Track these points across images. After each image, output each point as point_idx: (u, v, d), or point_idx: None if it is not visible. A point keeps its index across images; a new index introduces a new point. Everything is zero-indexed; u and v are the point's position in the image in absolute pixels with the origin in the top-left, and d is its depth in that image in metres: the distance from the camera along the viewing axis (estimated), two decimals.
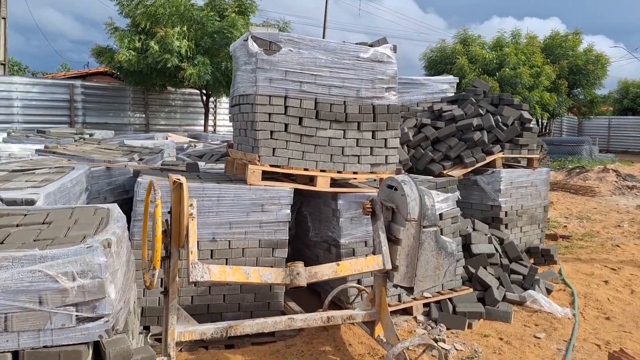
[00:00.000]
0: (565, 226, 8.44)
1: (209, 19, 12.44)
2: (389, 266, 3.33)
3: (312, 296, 4.67)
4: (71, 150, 6.18)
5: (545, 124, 28.27)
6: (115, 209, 2.77)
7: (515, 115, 6.17)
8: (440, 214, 4.48)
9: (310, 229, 4.56)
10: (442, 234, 4.47)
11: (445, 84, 7.19)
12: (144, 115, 15.30)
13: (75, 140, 7.87)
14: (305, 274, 3.09)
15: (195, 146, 9.06)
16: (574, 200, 11.57)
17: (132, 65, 12.02)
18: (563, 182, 13.70)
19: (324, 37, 31.48)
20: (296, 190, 4.14)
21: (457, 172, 5.85)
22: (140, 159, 6.24)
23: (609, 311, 4.66)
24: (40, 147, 6.47)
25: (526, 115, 6.20)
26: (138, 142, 8.12)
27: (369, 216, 3.53)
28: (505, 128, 6.06)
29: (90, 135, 9.87)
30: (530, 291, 4.63)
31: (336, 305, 4.23)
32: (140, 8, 12.21)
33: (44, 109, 13.38)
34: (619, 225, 8.59)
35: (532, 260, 6.02)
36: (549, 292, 4.94)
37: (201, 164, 6.07)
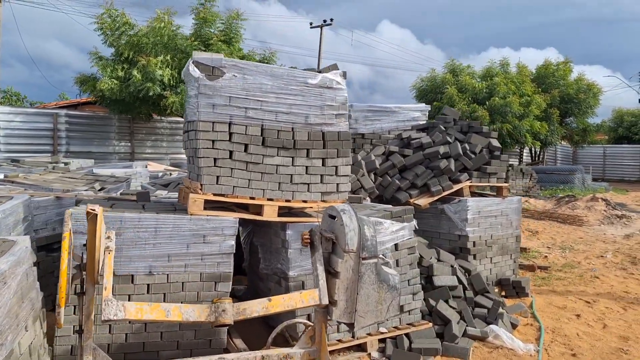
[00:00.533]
0: (546, 256, 8.23)
1: (193, 48, 12.49)
2: (325, 301, 3.15)
3: (268, 330, 4.45)
4: (32, 180, 6.04)
5: (537, 152, 28.26)
6: (23, 242, 2.61)
7: (483, 143, 6.05)
8: (396, 245, 4.31)
9: (260, 261, 4.38)
10: (397, 265, 4.31)
11: (417, 112, 7.11)
12: (129, 144, 15.23)
13: (44, 169, 7.75)
14: (232, 311, 2.90)
15: (170, 174, 8.93)
16: (561, 229, 11.37)
17: (114, 93, 12.01)
18: (551, 211, 13.53)
19: (318, 67, 31.82)
20: (249, 220, 3.99)
21: (424, 201, 5.70)
22: (102, 189, 6.10)
23: (576, 347, 4.43)
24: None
25: (495, 143, 6.08)
26: (109, 171, 7.99)
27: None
28: (473, 156, 5.94)
29: (66, 164, 9.76)
30: (492, 326, 4.42)
31: (287, 341, 4.02)
32: (124, 37, 12.27)
33: (26, 138, 13.31)
34: (602, 256, 8.38)
35: (503, 293, 5.81)
36: (514, 326, 4.72)
37: (163, 193, 5.93)
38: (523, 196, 16.76)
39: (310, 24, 32.36)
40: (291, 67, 4.00)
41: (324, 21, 31.65)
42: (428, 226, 5.95)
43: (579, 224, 12.06)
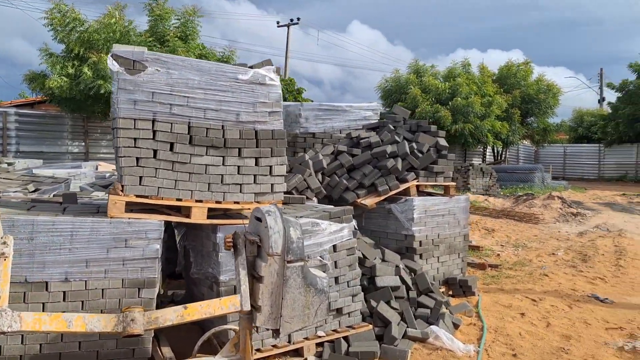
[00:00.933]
0: (499, 254, 8.27)
1: (147, 44, 12.14)
2: (247, 307, 2.99)
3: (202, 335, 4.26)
4: None
5: (500, 152, 28.74)
6: None
7: (431, 143, 6.00)
8: (335, 246, 4.18)
9: (192, 265, 4.19)
10: (336, 267, 4.19)
11: (368, 111, 7.02)
12: (83, 144, 14.73)
13: None
14: (142, 320, 2.72)
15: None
16: (517, 227, 11.50)
17: (64, 91, 11.57)
18: (508, 210, 13.69)
19: (285, 68, 31.62)
20: (182, 222, 3.80)
21: (370, 201, 5.61)
22: (36, 190, 5.80)
23: (517, 347, 4.40)
24: None
25: (442, 142, 6.04)
26: (51, 171, 7.65)
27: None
28: (420, 155, 5.88)
29: (10, 164, 9.32)
30: (433, 327, 4.34)
31: (217, 348, 3.85)
32: (74, 33, 11.84)
33: None
34: (553, 254, 8.48)
35: (450, 292, 5.77)
36: (456, 326, 4.67)
37: (100, 194, 5.67)
38: (483, 195, 16.97)
39: (277, 22, 32.15)
40: (219, 63, 3.83)
41: (291, 20, 31.49)
42: (376, 226, 5.86)
43: (535, 222, 12.24)
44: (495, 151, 29.05)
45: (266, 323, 3.09)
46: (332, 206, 4.67)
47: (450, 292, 5.76)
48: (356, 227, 4.42)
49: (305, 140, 6.80)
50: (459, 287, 5.72)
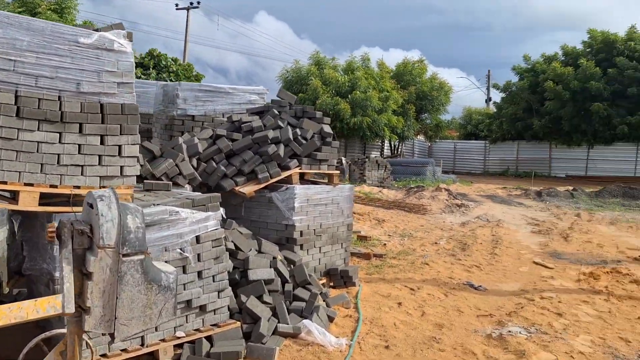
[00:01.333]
0: (385, 244, 8.33)
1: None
2: (70, 309, 2.51)
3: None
4: None
5: (396, 145, 29.75)
6: None
7: (315, 129, 5.78)
8: (198, 237, 3.79)
9: (25, 260, 3.59)
10: (199, 260, 3.79)
11: (254, 95, 6.66)
12: None
13: None
14: None
15: None
16: (406, 218, 11.78)
17: None
18: (400, 201, 14.05)
19: (184, 53, 30.23)
20: (15, 210, 3.19)
21: (249, 189, 5.26)
22: None
23: (391, 338, 4.30)
24: None
25: (327, 129, 5.84)
26: None
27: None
28: (304, 142, 5.64)
29: None
30: (305, 321, 4.11)
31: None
32: None
33: None
34: (436, 243, 8.71)
35: (332, 283, 5.61)
36: (331, 319, 4.48)
37: None
38: (378, 186, 17.34)
39: (176, 5, 30.68)
40: (55, 23, 3.26)
41: (191, 3, 30.20)
42: (256, 216, 5.53)
43: (423, 212, 12.64)
44: (392, 145, 30.03)
45: (98, 327, 2.63)
46: (198, 193, 4.26)
47: (332, 283, 5.60)
48: (224, 216, 4.05)
49: (183, 123, 6.30)
50: (340, 278, 5.57)
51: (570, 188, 19.78)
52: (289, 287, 4.56)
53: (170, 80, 21.33)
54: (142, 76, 21.01)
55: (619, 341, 4.30)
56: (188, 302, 3.74)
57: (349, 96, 22.47)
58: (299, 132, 5.68)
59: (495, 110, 34.97)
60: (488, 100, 42.09)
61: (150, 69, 21.60)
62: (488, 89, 41.83)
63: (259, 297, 4.21)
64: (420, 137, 34.92)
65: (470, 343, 4.24)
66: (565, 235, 9.94)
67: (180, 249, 3.69)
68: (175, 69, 22.01)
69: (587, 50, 29.41)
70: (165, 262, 3.61)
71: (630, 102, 26.63)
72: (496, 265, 7.23)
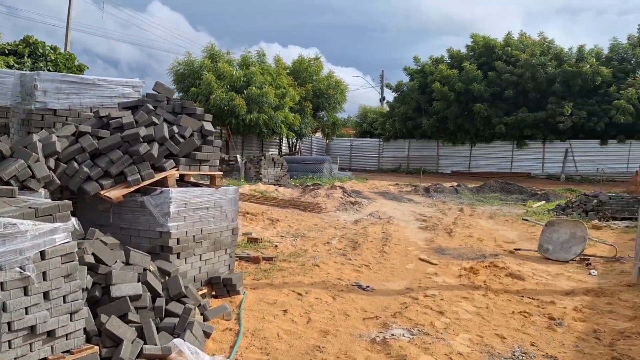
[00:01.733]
0: (277, 246, 8.09)
1: None
2: None
3: None
4: None
5: (294, 143, 29.77)
6: None
7: (195, 127, 5.36)
8: (43, 252, 3.24)
9: None
10: (45, 279, 3.25)
11: (128, 88, 6.06)
12: None
13: None
14: None
15: None
16: (301, 217, 11.66)
17: None
18: (295, 200, 13.92)
19: (66, 41, 27.75)
20: None
21: (117, 193, 4.73)
22: None
23: (273, 351, 4.04)
24: None
25: (208, 127, 5.45)
26: None
27: None
28: (181, 140, 5.19)
29: None
30: (176, 340, 3.71)
31: None
32: None
33: None
34: (328, 242, 8.63)
35: (214, 292, 5.24)
36: (207, 335, 4.12)
37: None
38: (274, 185, 17.10)
39: None
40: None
41: None
42: (127, 223, 4.99)
43: (318, 211, 12.60)
44: (290, 142, 30.00)
45: None
46: (49, 200, 3.69)
47: (214, 293, 5.23)
48: (77, 226, 3.53)
49: (43, 118, 5.56)
50: (224, 287, 5.22)
51: (455, 184, 21.01)
52: (160, 302, 4.12)
53: (49, 70, 19.49)
54: (16, 65, 18.98)
55: (495, 338, 4.42)
56: (32, 328, 3.19)
57: (245, 92, 22.01)
58: (176, 130, 5.22)
59: (388, 109, 36.34)
60: (382, 99, 43.68)
61: (25, 57, 19.58)
62: (382, 88, 43.40)
63: (123, 316, 3.74)
64: (318, 135, 35.32)
65: (354, 350, 4.11)
66: (449, 231, 10.40)
67: (20, 267, 3.12)
68: (54, 58, 20.11)
69: (471, 54, 31.53)
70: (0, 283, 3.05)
71: (507, 103, 28.97)
72: (385, 264, 7.29)
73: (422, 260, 7.66)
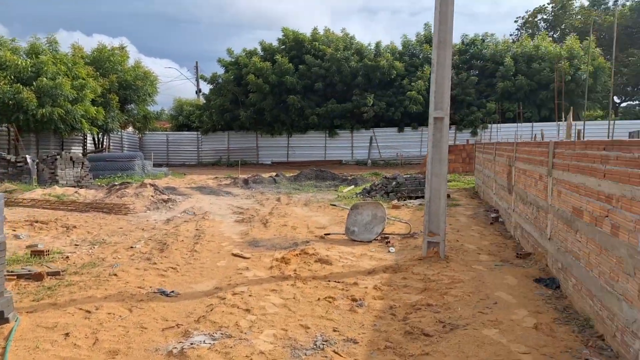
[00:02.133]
0: (68, 257, 7.07)
1: None
2: None
3: None
4: None
5: (101, 139, 27.19)
6: None
7: None
8: None
9: None
10: None
11: None
12: None
13: None
14: None
15: None
16: (104, 220, 10.52)
17: None
18: (98, 202, 12.57)
19: None
20: None
21: None
22: None
23: None
24: None
25: None
26: None
27: None
28: None
29: None
30: None
31: None
32: None
33: None
34: (132, 247, 7.86)
35: None
36: None
37: None
38: (74, 187, 15.28)
39: None
40: None
41: None
42: None
43: (124, 212, 11.55)
44: (96, 139, 27.32)
45: None
46: None
47: None
48: None
49: None
50: None
51: (274, 174, 21.35)
52: None
53: None
54: None
55: (300, 329, 4.37)
56: None
57: (34, 83, 19.26)
58: None
59: (204, 101, 35.43)
60: (198, 91, 42.46)
61: None
62: (197, 80, 42.17)
63: None
64: (130, 130, 32.85)
65: None
66: (265, 222, 10.37)
67: None
68: None
69: (282, 47, 32.31)
70: None
71: (318, 95, 30.44)
72: (194, 264, 6.86)
73: (235, 255, 7.42)
